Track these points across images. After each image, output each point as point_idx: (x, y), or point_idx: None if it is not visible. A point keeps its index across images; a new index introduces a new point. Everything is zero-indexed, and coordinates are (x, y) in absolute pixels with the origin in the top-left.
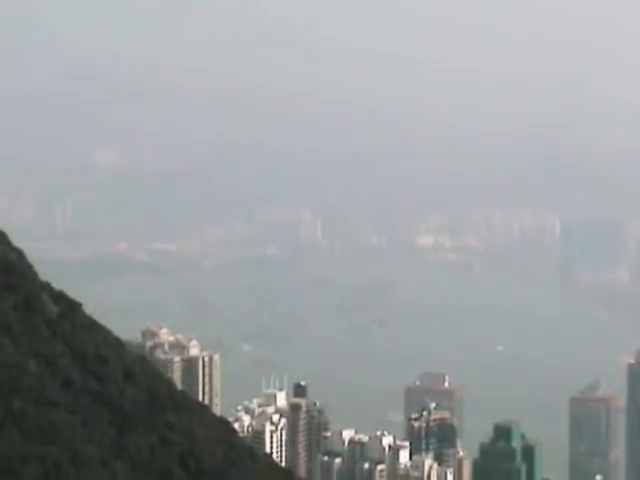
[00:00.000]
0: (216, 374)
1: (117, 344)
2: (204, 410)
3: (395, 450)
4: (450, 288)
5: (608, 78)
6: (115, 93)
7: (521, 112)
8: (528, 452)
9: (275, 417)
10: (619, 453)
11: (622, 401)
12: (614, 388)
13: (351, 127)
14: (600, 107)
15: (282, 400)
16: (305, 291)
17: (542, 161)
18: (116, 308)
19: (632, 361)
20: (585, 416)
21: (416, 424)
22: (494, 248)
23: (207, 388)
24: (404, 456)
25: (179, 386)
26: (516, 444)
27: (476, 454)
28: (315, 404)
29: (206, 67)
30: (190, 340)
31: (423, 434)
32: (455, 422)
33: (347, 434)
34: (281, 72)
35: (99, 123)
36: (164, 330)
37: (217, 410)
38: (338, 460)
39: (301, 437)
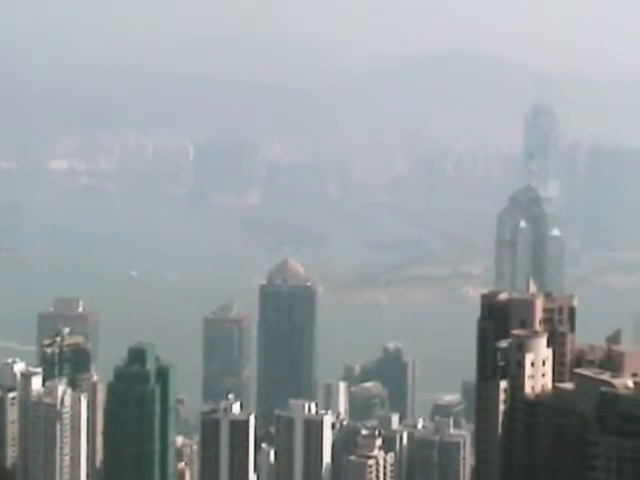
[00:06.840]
0: None
1: None
2: None
3: (27, 377)
4: (85, 212)
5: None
6: None
7: (170, 31)
8: (162, 374)
9: None
10: (251, 371)
11: (254, 321)
12: (246, 309)
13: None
14: (257, 32)
15: None
16: None
17: (177, 83)
18: None
19: (263, 282)
20: (218, 336)
21: (49, 350)
22: (128, 171)
23: None
24: (36, 382)
25: None
26: (150, 366)
27: (111, 378)
28: None
29: None
30: None
31: (56, 360)
32: (90, 347)
33: None
34: None
35: None
36: None
37: None
38: None
39: None
